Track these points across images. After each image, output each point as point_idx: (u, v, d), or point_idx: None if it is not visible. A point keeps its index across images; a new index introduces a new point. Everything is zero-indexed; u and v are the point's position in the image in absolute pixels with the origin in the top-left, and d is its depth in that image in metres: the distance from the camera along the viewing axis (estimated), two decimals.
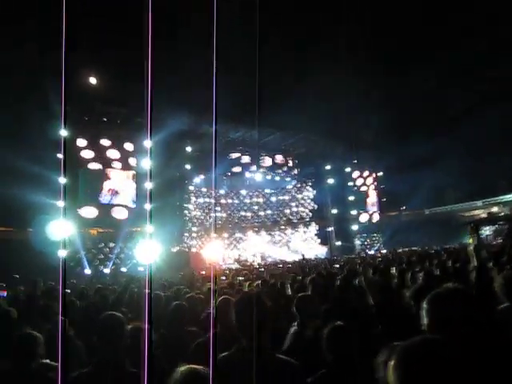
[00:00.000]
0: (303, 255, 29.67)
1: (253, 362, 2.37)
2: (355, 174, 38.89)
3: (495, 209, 36.91)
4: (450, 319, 2.35)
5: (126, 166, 27.26)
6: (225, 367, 2.34)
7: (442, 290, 2.56)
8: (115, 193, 26.83)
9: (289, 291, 6.70)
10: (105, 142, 26.60)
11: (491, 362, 2.30)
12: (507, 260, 7.26)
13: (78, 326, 4.69)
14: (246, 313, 2.57)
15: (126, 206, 27.06)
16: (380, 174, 40.37)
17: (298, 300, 4.12)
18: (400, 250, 24.29)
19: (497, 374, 2.29)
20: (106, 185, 26.72)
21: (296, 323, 4.02)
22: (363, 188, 39.57)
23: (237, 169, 34.70)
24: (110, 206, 26.72)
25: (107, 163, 26.68)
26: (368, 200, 39.65)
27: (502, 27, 26.06)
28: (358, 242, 37.11)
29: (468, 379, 1.27)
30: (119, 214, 26.71)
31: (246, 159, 33.81)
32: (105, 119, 26.22)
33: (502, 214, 35.90)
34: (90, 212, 25.91)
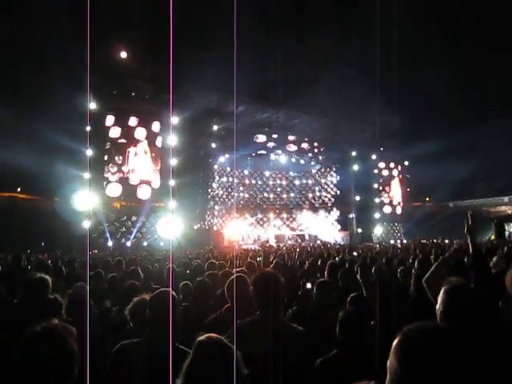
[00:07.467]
0: (325, 242, 29.64)
1: (266, 329, 2.57)
2: (381, 162, 38.39)
3: None
4: (460, 312, 2.39)
5: (152, 143, 27.16)
6: (240, 333, 2.51)
7: (459, 284, 2.60)
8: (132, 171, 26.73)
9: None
10: (132, 119, 26.38)
11: (492, 357, 2.30)
12: None
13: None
14: (263, 287, 2.78)
15: (149, 184, 26.97)
16: (406, 163, 39.89)
17: (318, 285, 4.30)
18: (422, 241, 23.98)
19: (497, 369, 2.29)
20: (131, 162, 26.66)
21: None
22: (388, 177, 39.13)
23: (262, 150, 34.57)
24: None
25: (133, 139, 26.53)
26: (392, 189, 39.25)
27: None
28: (378, 231, 36.78)
29: (465, 369, 1.21)
30: (143, 192, 26.58)
31: (271, 141, 33.60)
32: (133, 94, 26.14)
33: None
34: (114, 187, 25.97)
